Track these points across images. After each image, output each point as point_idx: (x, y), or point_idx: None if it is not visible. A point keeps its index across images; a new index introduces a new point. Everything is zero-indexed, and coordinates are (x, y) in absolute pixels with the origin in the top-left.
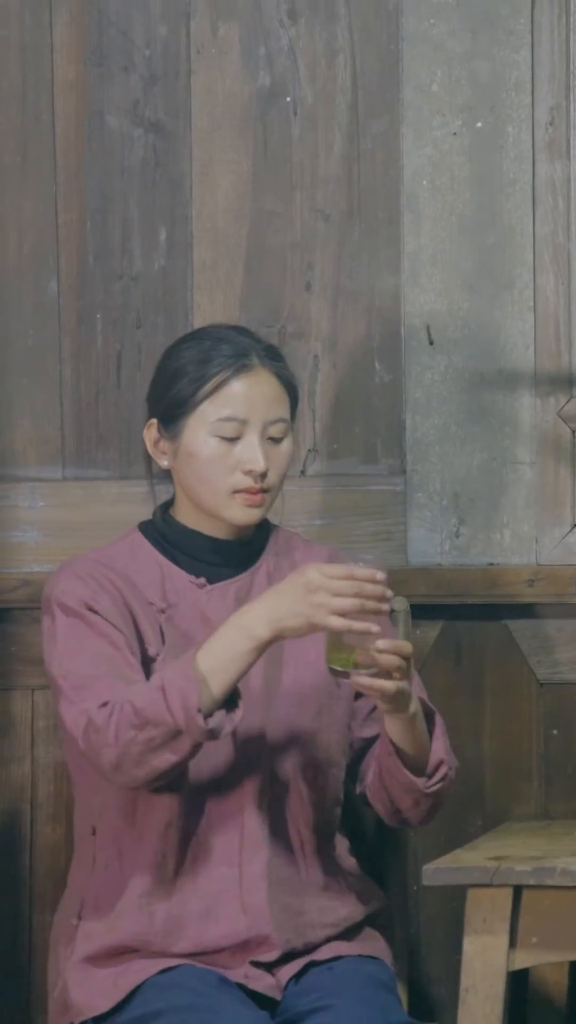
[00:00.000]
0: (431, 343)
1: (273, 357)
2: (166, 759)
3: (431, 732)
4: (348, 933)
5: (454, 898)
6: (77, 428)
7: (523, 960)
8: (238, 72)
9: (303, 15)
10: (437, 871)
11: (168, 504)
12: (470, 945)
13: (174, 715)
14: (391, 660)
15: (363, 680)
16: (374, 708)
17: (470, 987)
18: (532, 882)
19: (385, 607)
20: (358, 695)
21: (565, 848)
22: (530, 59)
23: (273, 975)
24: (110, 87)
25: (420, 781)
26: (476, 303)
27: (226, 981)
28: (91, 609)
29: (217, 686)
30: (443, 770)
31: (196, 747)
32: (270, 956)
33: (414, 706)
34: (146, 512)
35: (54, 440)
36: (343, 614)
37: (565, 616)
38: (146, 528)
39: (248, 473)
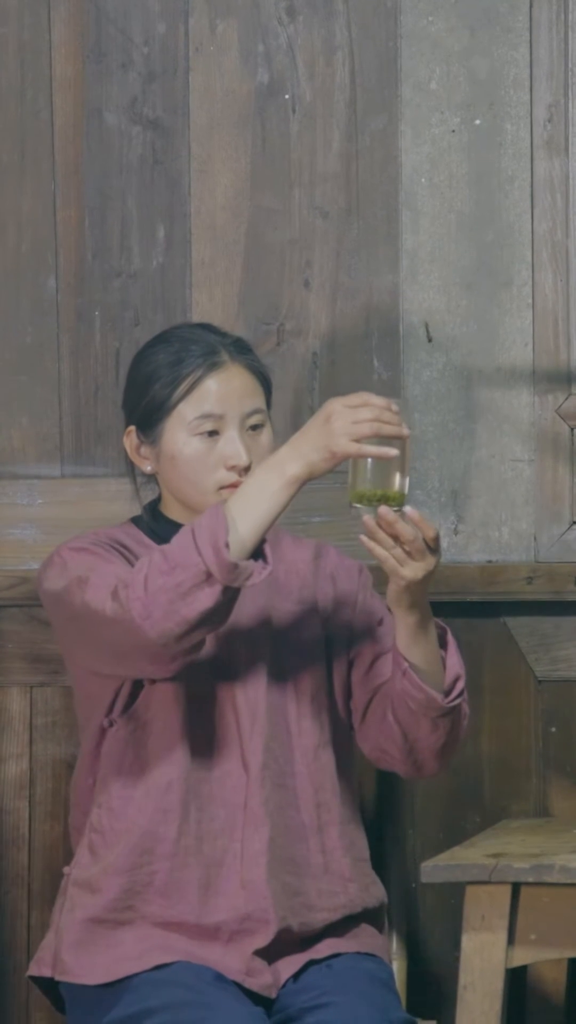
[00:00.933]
0: (429, 340)
1: (242, 350)
2: (195, 607)
3: (443, 649)
4: (346, 925)
5: (453, 895)
6: (75, 426)
7: (521, 957)
8: (236, 69)
9: (302, 12)
10: (436, 868)
11: (155, 502)
12: (469, 942)
13: (202, 553)
14: (415, 514)
15: (389, 515)
16: (376, 658)
17: (469, 984)
18: (531, 879)
19: (405, 431)
20: (353, 649)
21: (564, 845)
22: (528, 56)
23: (271, 970)
24: (109, 84)
25: (438, 696)
26: (474, 300)
27: (222, 978)
28: (97, 552)
29: (246, 525)
30: (460, 685)
31: (226, 595)
32: (266, 936)
33: (419, 615)
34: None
35: (52, 437)
36: (361, 440)
37: (563, 613)
38: (138, 523)
39: (232, 468)
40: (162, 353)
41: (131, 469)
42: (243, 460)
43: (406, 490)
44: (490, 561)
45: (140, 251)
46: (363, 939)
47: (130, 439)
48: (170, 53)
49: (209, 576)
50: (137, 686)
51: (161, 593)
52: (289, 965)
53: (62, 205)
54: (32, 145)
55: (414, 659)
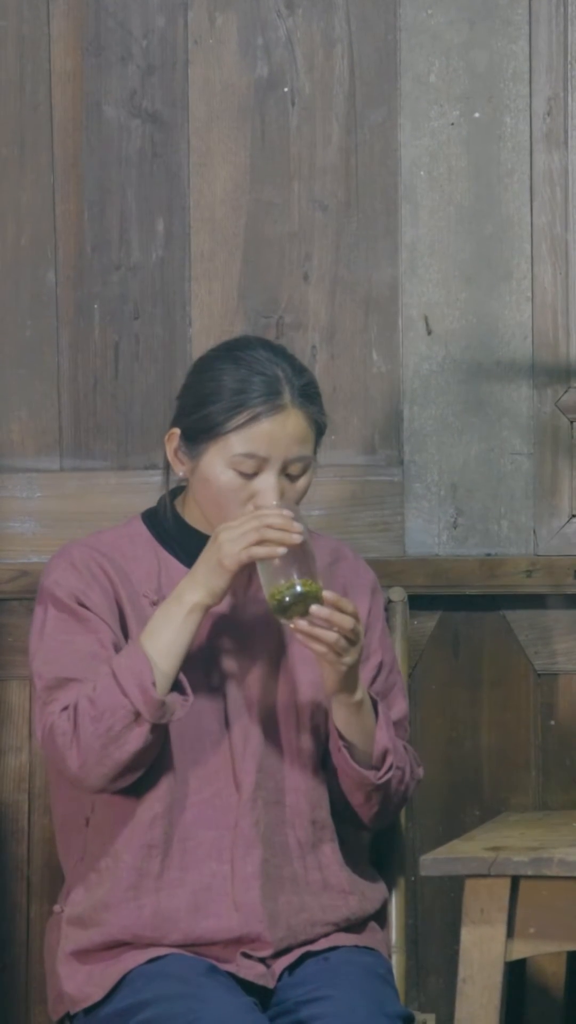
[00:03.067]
0: (429, 333)
1: (308, 398)
2: (127, 749)
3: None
4: (347, 928)
5: (452, 889)
6: (75, 419)
7: (521, 950)
8: (236, 63)
9: (301, 5)
10: (435, 862)
11: (176, 492)
12: (468, 936)
13: (129, 695)
14: (337, 616)
15: (303, 625)
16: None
17: (468, 978)
18: (530, 872)
19: (294, 538)
20: None
21: (563, 838)
22: (528, 49)
23: (267, 965)
24: (108, 78)
25: (370, 774)
26: (474, 293)
27: (215, 969)
28: (81, 604)
29: (164, 659)
30: (389, 759)
31: (155, 732)
32: (263, 953)
33: (360, 693)
34: (143, 502)
35: (52, 431)
36: (251, 550)
37: (563, 606)
38: (149, 518)
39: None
40: (228, 375)
41: (164, 460)
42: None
43: (318, 580)
44: (489, 554)
45: (139, 244)
46: (362, 933)
47: (172, 442)
48: (169, 46)
49: (138, 716)
50: None
51: (93, 740)
52: (285, 958)
53: (61, 198)
54: (31, 138)
55: (353, 736)
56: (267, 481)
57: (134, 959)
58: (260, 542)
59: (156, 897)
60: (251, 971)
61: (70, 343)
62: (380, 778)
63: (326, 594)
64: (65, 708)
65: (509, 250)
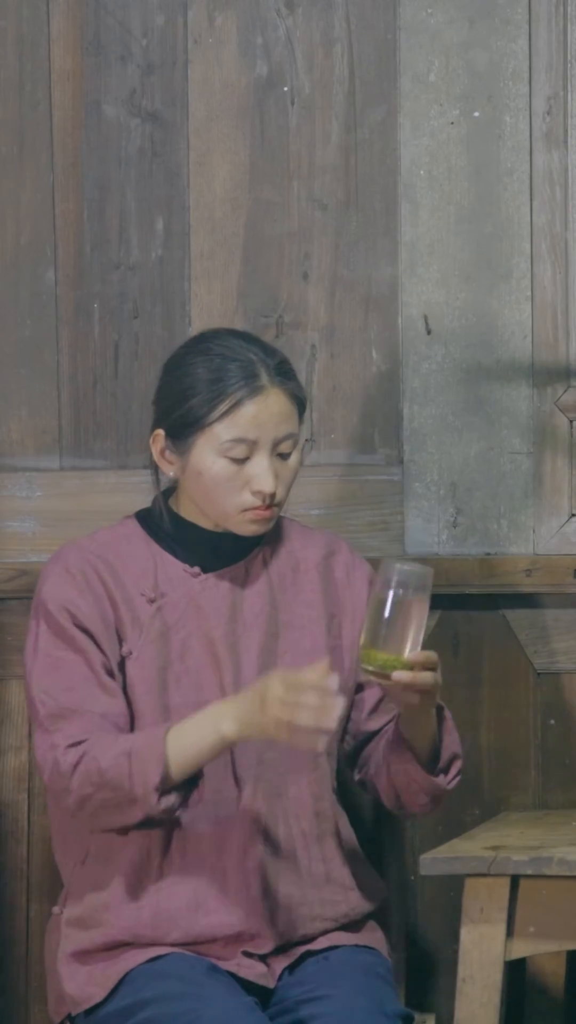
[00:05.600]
0: (428, 333)
1: (284, 375)
2: (117, 820)
3: (439, 726)
4: (347, 926)
5: (451, 888)
6: (74, 418)
7: (520, 950)
8: (235, 62)
9: (300, 4)
10: (435, 861)
11: (169, 492)
12: (467, 935)
13: (133, 785)
14: (423, 675)
15: (403, 678)
16: (380, 700)
17: (467, 977)
18: (529, 872)
19: (328, 725)
20: (359, 688)
21: (562, 838)
22: (527, 48)
23: (267, 965)
24: (107, 77)
25: (441, 780)
26: (473, 293)
27: (216, 969)
28: (74, 621)
29: (178, 768)
30: (458, 764)
31: (147, 819)
32: (263, 949)
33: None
34: (143, 501)
35: (51, 430)
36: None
37: (562, 606)
38: (143, 517)
39: (257, 494)
40: (202, 367)
41: (154, 465)
42: (270, 488)
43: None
44: (489, 554)
45: (139, 243)
46: (362, 932)
47: (157, 443)
48: (169, 45)
49: (134, 801)
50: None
51: (88, 801)
52: (285, 957)
53: (61, 198)
54: (31, 137)
55: (417, 743)
56: (261, 464)
57: (134, 958)
58: (301, 726)
59: (156, 896)
60: (251, 971)
61: (70, 342)
62: (450, 783)
63: (408, 657)
64: (72, 745)
65: (509, 249)
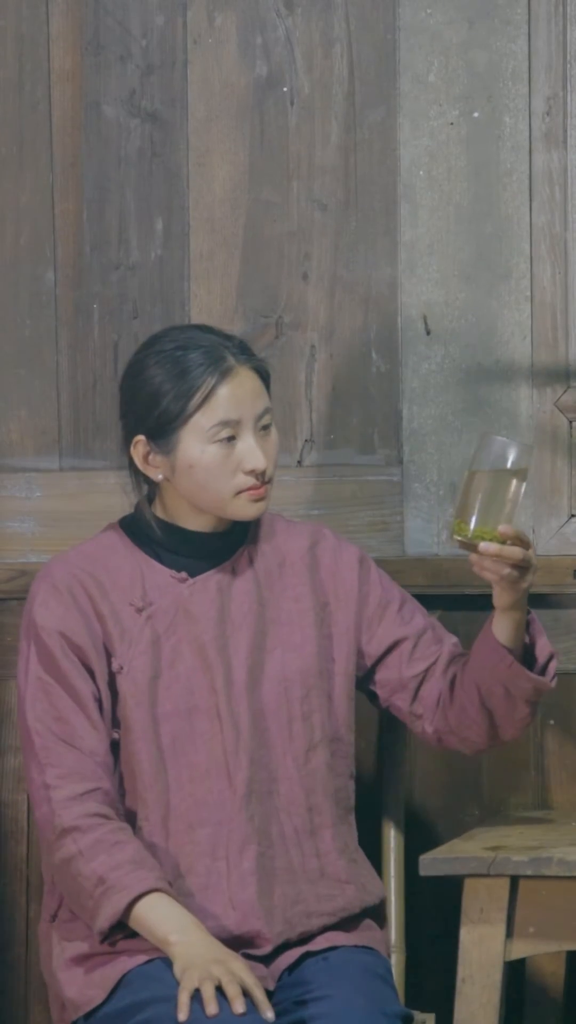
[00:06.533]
0: (428, 333)
1: (246, 352)
2: (72, 904)
3: (527, 629)
4: (345, 924)
5: (451, 888)
6: (74, 418)
7: (520, 950)
8: (235, 62)
9: (300, 5)
10: (434, 861)
11: (148, 498)
12: (467, 935)
13: (92, 909)
14: (512, 548)
15: (491, 548)
16: (414, 647)
17: (467, 977)
18: (529, 872)
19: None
20: (370, 673)
21: (562, 838)
22: (527, 49)
23: (267, 966)
24: (107, 77)
25: (547, 681)
26: (473, 293)
27: None
28: (65, 643)
29: (129, 924)
30: (554, 663)
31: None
32: (263, 951)
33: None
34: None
35: (51, 430)
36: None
37: (562, 606)
38: (127, 525)
39: (250, 473)
40: (167, 363)
41: (130, 466)
42: (262, 464)
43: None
44: None
45: (138, 244)
46: (361, 932)
47: (138, 449)
48: (168, 45)
49: (89, 914)
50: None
51: (61, 876)
52: (285, 958)
53: (60, 198)
54: (30, 138)
55: (516, 647)
56: (248, 442)
57: (133, 959)
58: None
59: None
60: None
61: (69, 343)
62: (552, 680)
63: (501, 528)
64: (71, 799)
65: (508, 250)
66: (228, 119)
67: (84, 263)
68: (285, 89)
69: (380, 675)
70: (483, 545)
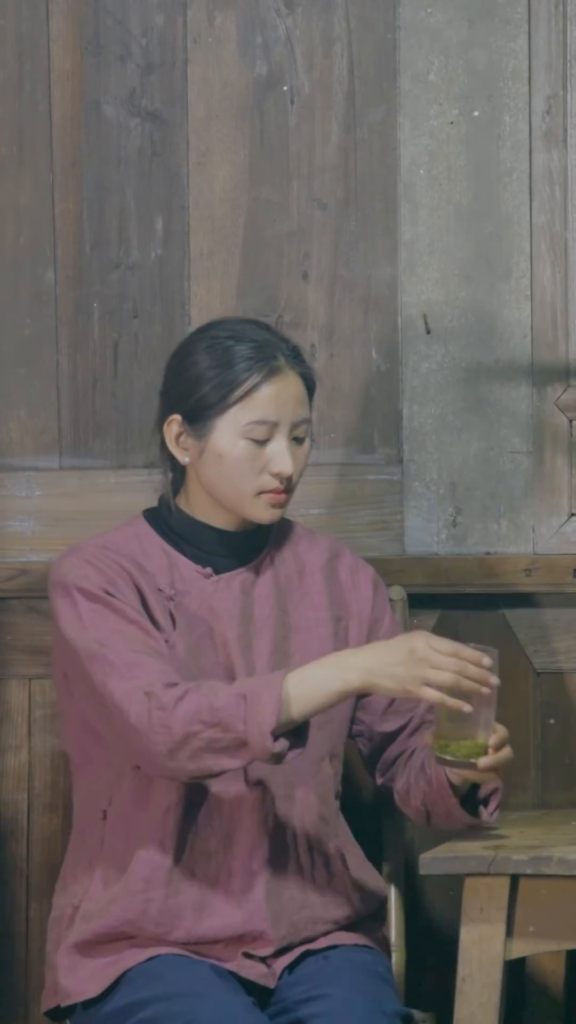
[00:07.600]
0: (428, 332)
1: (298, 358)
2: (221, 764)
3: None
4: (347, 926)
5: (451, 887)
6: (74, 418)
7: (520, 949)
8: (235, 61)
9: (300, 4)
10: (434, 860)
11: (175, 492)
12: (467, 934)
13: (247, 726)
14: (503, 754)
15: (489, 763)
16: (391, 704)
17: (467, 976)
18: (529, 871)
19: (485, 690)
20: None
21: (562, 837)
22: (527, 48)
23: (268, 965)
24: (107, 76)
25: (484, 814)
26: (473, 292)
27: (216, 968)
28: (110, 595)
29: (296, 713)
30: (499, 796)
31: (251, 762)
32: (265, 951)
33: None
34: (143, 501)
35: (51, 430)
36: (440, 687)
37: (562, 605)
38: (152, 516)
39: (275, 476)
40: (219, 349)
41: (164, 454)
42: (289, 469)
43: (489, 738)
44: (488, 553)
45: (138, 243)
46: (361, 931)
47: (171, 428)
48: (168, 45)
49: (244, 744)
50: None
51: (194, 739)
52: (285, 956)
53: (60, 197)
54: (30, 137)
55: (462, 784)
56: (280, 445)
57: (134, 957)
58: (454, 686)
59: (164, 892)
60: (252, 971)
61: (69, 342)
62: (492, 814)
63: (492, 740)
64: (171, 685)
65: (508, 249)
66: (228, 118)
67: (84, 263)
68: (285, 88)
69: (357, 712)
70: (483, 761)
